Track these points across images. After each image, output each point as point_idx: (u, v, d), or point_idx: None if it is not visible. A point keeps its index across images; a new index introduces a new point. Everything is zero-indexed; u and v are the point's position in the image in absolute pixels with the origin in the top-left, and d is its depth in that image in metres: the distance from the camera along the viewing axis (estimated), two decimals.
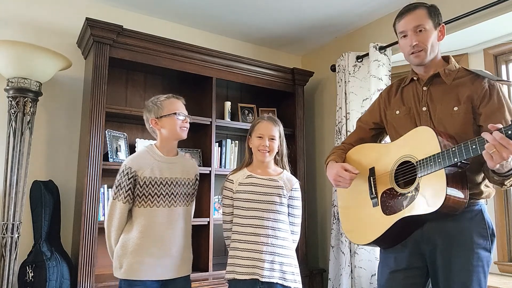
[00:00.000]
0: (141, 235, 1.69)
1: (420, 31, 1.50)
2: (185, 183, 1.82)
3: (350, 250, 2.86)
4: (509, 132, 1.15)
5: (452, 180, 1.30)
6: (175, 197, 1.78)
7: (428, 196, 1.34)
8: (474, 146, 1.22)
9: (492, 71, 2.56)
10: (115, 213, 1.71)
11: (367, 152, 1.66)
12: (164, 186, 1.75)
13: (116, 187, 1.72)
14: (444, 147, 1.32)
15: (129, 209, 1.74)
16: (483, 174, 1.42)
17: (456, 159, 1.26)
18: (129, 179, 1.71)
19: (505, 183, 1.30)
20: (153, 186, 1.73)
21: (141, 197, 1.73)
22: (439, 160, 1.31)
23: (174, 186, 1.78)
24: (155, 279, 1.69)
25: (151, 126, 1.83)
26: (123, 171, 1.73)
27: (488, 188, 1.45)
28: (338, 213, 2.97)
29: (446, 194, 1.27)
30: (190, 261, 1.84)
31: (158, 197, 1.74)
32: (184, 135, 1.84)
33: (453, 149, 1.27)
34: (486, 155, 1.18)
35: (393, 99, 1.65)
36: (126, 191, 1.70)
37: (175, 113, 1.79)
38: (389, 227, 1.45)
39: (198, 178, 1.94)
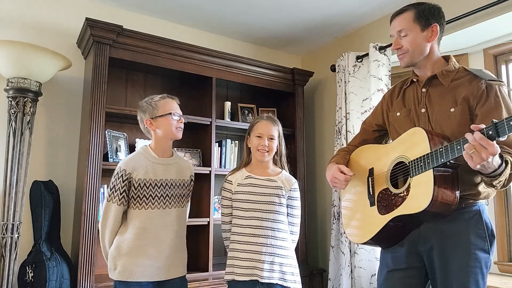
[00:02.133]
0: (136, 236, 1.69)
1: (403, 35, 1.53)
2: (179, 184, 1.82)
3: (350, 250, 2.86)
4: (490, 132, 1.14)
5: (441, 180, 1.30)
6: (169, 198, 1.77)
7: (416, 196, 1.35)
8: (458, 147, 1.23)
9: (492, 71, 2.55)
10: (109, 215, 1.71)
11: (367, 153, 1.68)
12: (158, 188, 1.75)
13: (111, 189, 1.71)
14: (434, 147, 1.32)
15: (123, 211, 1.73)
16: None
17: (443, 160, 1.27)
18: (123, 181, 1.70)
19: (494, 183, 1.28)
20: (147, 188, 1.73)
21: (135, 199, 1.72)
22: (428, 160, 1.32)
23: (169, 188, 1.77)
24: (150, 280, 1.69)
25: (145, 126, 1.81)
26: (117, 173, 1.72)
27: (487, 188, 1.43)
28: (338, 213, 2.98)
29: (433, 195, 1.28)
30: (185, 262, 1.84)
31: (153, 199, 1.73)
32: (180, 135, 1.83)
33: (441, 149, 1.29)
34: (465, 155, 1.19)
35: (396, 101, 1.66)
36: (121, 193, 1.70)
37: (170, 113, 1.78)
38: (382, 226, 1.46)
39: (194, 178, 1.92)
